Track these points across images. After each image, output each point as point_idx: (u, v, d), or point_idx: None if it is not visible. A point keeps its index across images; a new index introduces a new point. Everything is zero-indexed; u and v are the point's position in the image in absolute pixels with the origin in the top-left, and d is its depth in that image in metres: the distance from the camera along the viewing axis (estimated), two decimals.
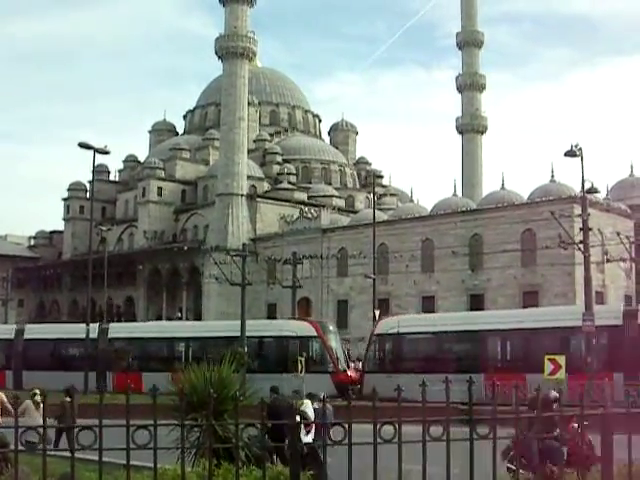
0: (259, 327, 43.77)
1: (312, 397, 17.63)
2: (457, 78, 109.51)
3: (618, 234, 42.38)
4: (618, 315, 34.96)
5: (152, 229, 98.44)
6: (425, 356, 38.67)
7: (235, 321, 42.45)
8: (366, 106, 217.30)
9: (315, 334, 40.03)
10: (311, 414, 16.31)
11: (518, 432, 6.13)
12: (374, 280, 54.61)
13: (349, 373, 39.81)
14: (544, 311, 44.43)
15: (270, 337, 41.80)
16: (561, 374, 29.79)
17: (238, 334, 38.00)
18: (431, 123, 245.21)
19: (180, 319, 77.87)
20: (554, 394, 12.72)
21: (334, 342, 41.21)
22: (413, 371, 34.71)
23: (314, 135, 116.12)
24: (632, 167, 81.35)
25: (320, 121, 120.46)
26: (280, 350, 40.50)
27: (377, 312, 51.89)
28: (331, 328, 42.72)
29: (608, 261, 42.82)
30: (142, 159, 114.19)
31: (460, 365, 35.64)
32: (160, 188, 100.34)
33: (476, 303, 66.47)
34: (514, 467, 8.78)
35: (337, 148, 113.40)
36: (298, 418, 12.59)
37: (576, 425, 8.77)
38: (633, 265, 43.08)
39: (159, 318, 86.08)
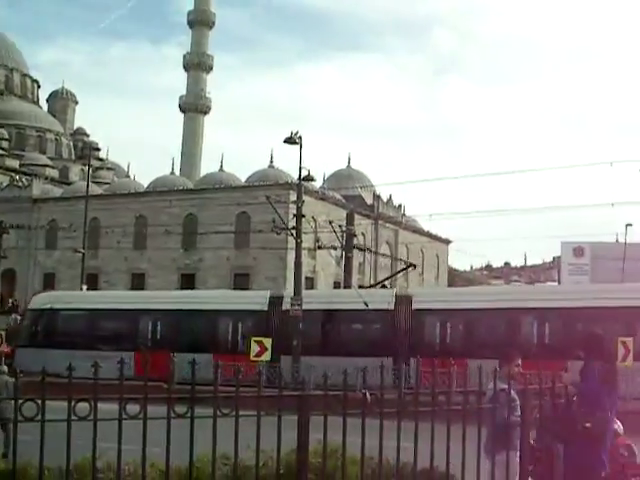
0: None
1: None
2: (185, 56, 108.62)
3: (331, 222, 43.53)
4: (264, 301, 36.80)
5: None
6: (78, 333, 38.73)
7: None
8: (92, 76, 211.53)
9: None
10: None
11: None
12: (83, 255, 53.18)
13: None
14: (195, 294, 46.43)
15: None
16: (266, 356, 30.14)
17: None
18: (156, 99, 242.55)
19: None
20: None
21: None
22: (64, 347, 34.99)
23: (31, 101, 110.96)
24: (349, 159, 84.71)
25: (39, 87, 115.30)
26: None
27: (85, 287, 50.61)
28: None
29: (320, 248, 43.91)
30: None
31: (113, 343, 36.06)
32: None
33: (187, 282, 66.36)
34: None
35: (55, 117, 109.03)
36: None
37: None
38: (343, 253, 44.39)
39: None
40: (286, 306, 35.88)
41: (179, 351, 32.64)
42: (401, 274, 75.27)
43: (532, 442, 8.41)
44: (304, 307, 34.45)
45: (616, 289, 36.05)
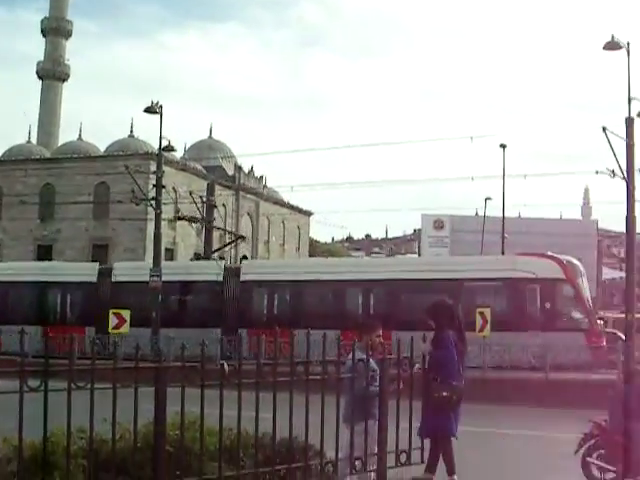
0: None
1: None
2: (43, 21, 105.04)
3: (191, 193, 43.22)
4: (94, 272, 37.38)
5: None
6: None
7: None
8: None
9: None
10: None
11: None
12: None
13: None
14: (25, 265, 46.10)
15: None
16: (126, 327, 29.81)
17: None
18: (12, 66, 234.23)
19: None
20: None
21: None
22: None
23: None
24: (211, 129, 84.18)
25: None
26: None
27: None
28: None
29: (180, 219, 43.49)
30: None
31: None
32: None
33: (44, 254, 64.72)
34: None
35: None
36: None
37: None
38: (204, 224, 44.14)
39: None
40: (115, 278, 36.47)
41: (9, 323, 32.21)
42: (262, 246, 75.54)
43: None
44: (136, 279, 35.11)
45: (443, 262, 37.60)
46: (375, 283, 33.22)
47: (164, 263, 43.80)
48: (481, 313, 27.64)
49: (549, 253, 33.91)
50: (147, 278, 34.03)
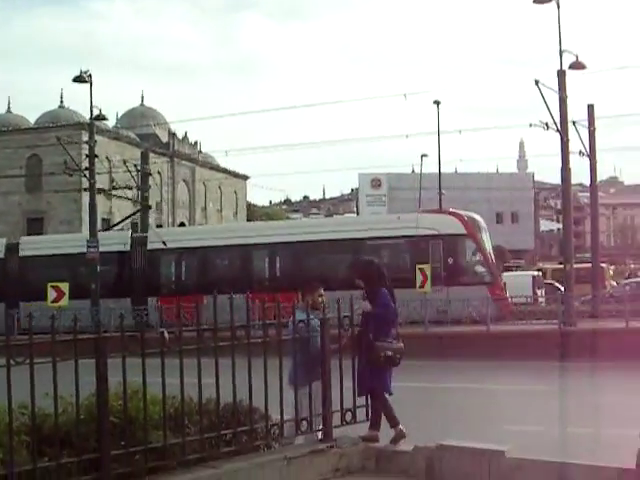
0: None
1: None
2: None
3: (125, 162, 42.71)
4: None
5: None
6: None
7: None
8: None
9: None
10: None
11: None
12: None
13: None
14: None
15: None
16: (64, 301, 29.54)
17: None
18: None
19: None
20: None
21: None
22: None
23: None
24: (143, 97, 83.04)
25: None
26: None
27: None
28: None
29: (115, 189, 42.98)
30: None
31: None
32: None
33: None
34: None
35: None
36: None
37: None
38: (139, 193, 43.67)
39: None
40: (22, 252, 36.49)
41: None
42: (199, 212, 75.23)
43: None
44: (38, 252, 35.48)
45: (348, 222, 37.98)
46: (282, 246, 33.39)
47: (72, 235, 43.55)
48: (421, 269, 27.83)
49: (450, 209, 34.64)
50: (51, 251, 34.62)
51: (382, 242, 31.84)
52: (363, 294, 9.21)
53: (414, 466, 7.91)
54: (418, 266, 28.09)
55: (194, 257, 35.12)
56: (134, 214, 43.54)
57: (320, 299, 9.19)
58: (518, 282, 35.39)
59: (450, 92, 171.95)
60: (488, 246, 32.47)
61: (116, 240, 36.41)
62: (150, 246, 35.18)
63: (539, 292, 36.93)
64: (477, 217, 33.65)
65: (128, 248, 35.53)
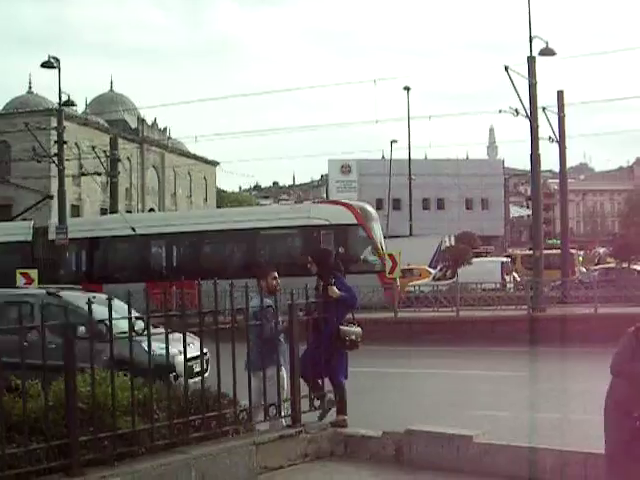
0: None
1: None
2: None
3: (94, 148, 42.49)
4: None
5: None
6: None
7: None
8: None
9: None
10: None
11: None
12: None
13: None
14: None
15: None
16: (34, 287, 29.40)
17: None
18: None
19: None
20: None
21: None
22: None
23: None
24: (112, 82, 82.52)
25: None
26: None
27: None
28: None
29: (84, 175, 42.76)
30: None
31: None
32: None
33: None
34: None
35: None
36: None
37: None
38: (108, 179, 43.49)
39: None
40: None
41: None
42: (169, 198, 75.00)
43: None
44: None
45: (245, 212, 39.87)
46: (179, 236, 33.94)
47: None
48: (390, 255, 28.01)
49: (343, 200, 35.99)
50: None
51: (277, 232, 32.83)
52: (317, 280, 9.30)
53: (383, 451, 7.97)
54: (388, 253, 28.58)
55: (92, 247, 35.54)
56: (38, 204, 43.53)
57: (274, 282, 9.25)
58: (487, 268, 35.62)
59: (420, 78, 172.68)
60: (379, 235, 33.20)
61: (18, 230, 36.48)
62: (52, 236, 35.03)
63: (507, 278, 37.17)
64: (368, 207, 34.59)
65: (30, 238, 35.66)
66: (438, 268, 38.93)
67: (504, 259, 42.22)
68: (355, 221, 32.14)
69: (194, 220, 36.14)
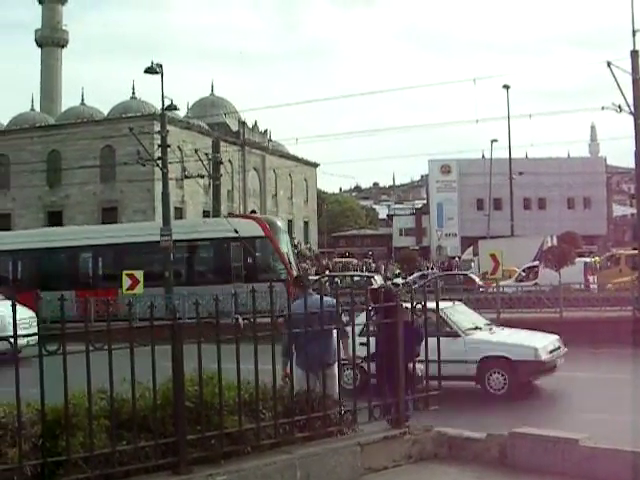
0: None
1: None
2: None
3: (197, 151, 43.11)
4: None
5: None
6: None
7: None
8: None
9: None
10: None
11: None
12: None
13: None
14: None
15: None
16: (139, 288, 29.96)
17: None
18: (10, 35, 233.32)
19: None
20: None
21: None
22: None
23: None
24: (212, 86, 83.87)
25: None
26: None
27: None
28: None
29: (187, 177, 43.43)
30: None
31: None
32: None
33: (54, 220, 64.90)
34: None
35: None
36: None
37: None
38: (210, 181, 44.12)
39: None
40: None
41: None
42: (270, 200, 75.53)
43: None
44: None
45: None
46: (102, 248, 36.45)
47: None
48: (492, 255, 27.87)
49: (252, 214, 41.07)
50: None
51: (191, 244, 36.01)
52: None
53: (487, 453, 7.88)
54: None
55: (25, 258, 37.63)
56: None
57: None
58: (570, 269, 35.07)
59: (519, 76, 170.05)
60: (286, 247, 36.10)
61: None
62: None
63: (591, 279, 36.50)
64: (277, 221, 38.72)
65: None
66: (521, 269, 38.59)
67: (588, 260, 41.35)
68: (262, 233, 34.68)
69: (115, 233, 38.31)
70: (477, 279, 38.34)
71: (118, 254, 35.93)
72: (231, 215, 42.19)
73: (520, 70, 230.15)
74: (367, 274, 48.20)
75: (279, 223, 37.98)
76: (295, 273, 33.41)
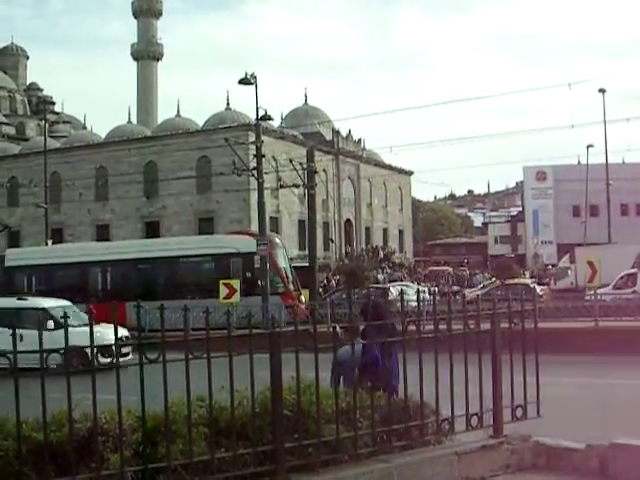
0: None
1: None
2: (133, 3, 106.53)
3: (291, 161, 43.40)
4: None
5: None
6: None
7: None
8: (36, 29, 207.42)
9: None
10: None
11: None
12: (46, 210, 52.69)
13: None
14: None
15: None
16: (236, 297, 30.33)
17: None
18: (107, 49, 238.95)
19: None
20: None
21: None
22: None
23: None
24: (306, 96, 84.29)
25: None
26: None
27: (50, 242, 50.30)
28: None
29: (282, 187, 43.77)
30: None
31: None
32: None
33: (152, 230, 66.23)
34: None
35: (6, 73, 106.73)
36: None
37: None
38: (305, 191, 44.40)
39: None
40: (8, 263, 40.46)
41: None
42: (365, 209, 75.23)
43: None
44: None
45: (168, 242, 45.71)
46: (113, 263, 38.44)
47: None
48: (590, 262, 27.42)
49: (250, 231, 41.45)
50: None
51: (192, 259, 38.08)
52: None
53: (587, 464, 7.71)
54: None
55: (44, 273, 39.43)
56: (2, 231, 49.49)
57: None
58: None
59: (616, 80, 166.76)
60: (283, 262, 37.85)
61: None
62: (8, 263, 40.16)
63: None
64: (275, 237, 40.70)
65: None
66: (619, 276, 37.72)
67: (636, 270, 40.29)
68: None
69: (124, 249, 40.55)
70: (538, 289, 37.32)
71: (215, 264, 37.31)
72: (232, 232, 45.83)
73: (616, 74, 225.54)
74: (404, 284, 46.61)
75: (277, 239, 40.10)
76: (292, 287, 36.75)
